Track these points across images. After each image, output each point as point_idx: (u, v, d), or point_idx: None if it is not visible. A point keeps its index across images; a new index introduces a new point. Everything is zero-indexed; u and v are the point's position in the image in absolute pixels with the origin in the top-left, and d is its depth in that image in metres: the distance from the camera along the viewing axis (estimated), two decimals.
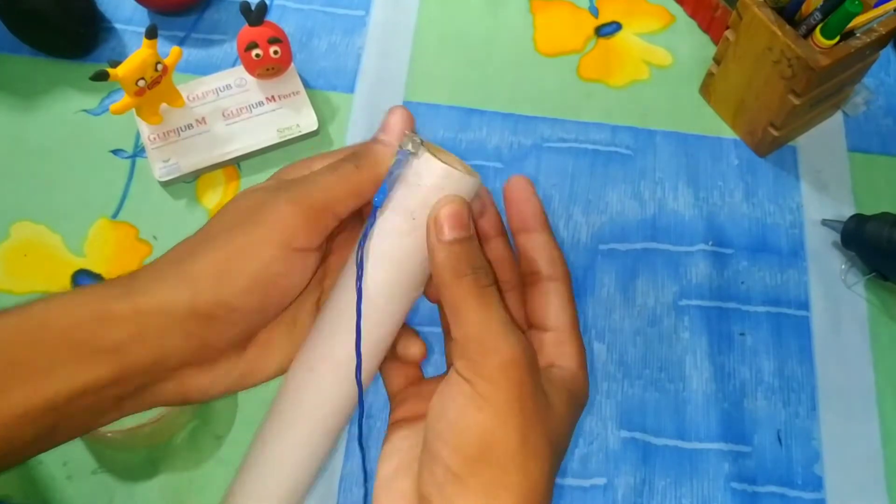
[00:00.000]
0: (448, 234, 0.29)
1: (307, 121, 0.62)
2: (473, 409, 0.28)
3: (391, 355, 0.34)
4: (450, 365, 0.34)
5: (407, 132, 0.32)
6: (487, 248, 0.33)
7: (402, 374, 0.35)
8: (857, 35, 0.54)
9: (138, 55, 0.55)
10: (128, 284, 0.28)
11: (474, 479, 0.27)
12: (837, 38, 0.53)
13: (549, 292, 0.32)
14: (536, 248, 0.32)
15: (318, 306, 0.34)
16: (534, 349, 0.30)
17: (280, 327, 0.33)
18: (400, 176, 0.31)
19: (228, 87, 0.63)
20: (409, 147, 0.30)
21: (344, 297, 0.31)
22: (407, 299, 0.32)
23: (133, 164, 0.61)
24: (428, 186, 0.30)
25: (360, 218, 0.33)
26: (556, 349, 0.31)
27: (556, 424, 0.29)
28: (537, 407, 0.29)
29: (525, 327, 0.33)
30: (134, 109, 0.58)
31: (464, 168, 0.32)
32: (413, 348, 0.34)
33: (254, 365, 0.32)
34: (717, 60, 0.62)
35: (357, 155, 0.31)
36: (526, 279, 0.33)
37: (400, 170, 0.31)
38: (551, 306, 0.32)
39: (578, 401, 0.31)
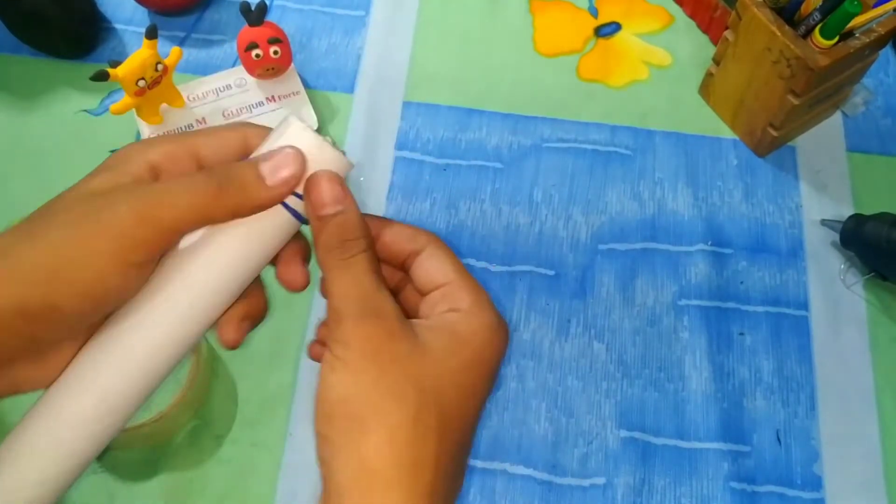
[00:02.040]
0: (323, 210, 0.30)
1: (307, 121, 0.62)
2: (328, 372, 0.29)
3: None
4: None
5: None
6: None
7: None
8: (857, 35, 0.54)
9: (138, 55, 0.55)
10: None
11: (338, 436, 0.28)
12: (836, 39, 0.53)
13: (424, 260, 0.32)
14: (394, 240, 0.33)
15: None
16: (393, 306, 0.30)
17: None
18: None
19: (228, 87, 0.63)
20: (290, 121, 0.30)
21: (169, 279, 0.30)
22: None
23: None
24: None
25: None
26: (447, 298, 0.31)
27: (427, 367, 0.29)
28: (395, 354, 0.29)
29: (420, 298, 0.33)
30: (134, 110, 0.58)
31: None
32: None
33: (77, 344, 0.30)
34: (717, 61, 0.62)
35: (226, 178, 0.29)
36: (406, 265, 0.33)
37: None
38: (430, 269, 0.32)
39: (472, 338, 0.30)
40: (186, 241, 0.30)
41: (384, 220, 0.33)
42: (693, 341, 0.56)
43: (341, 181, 0.31)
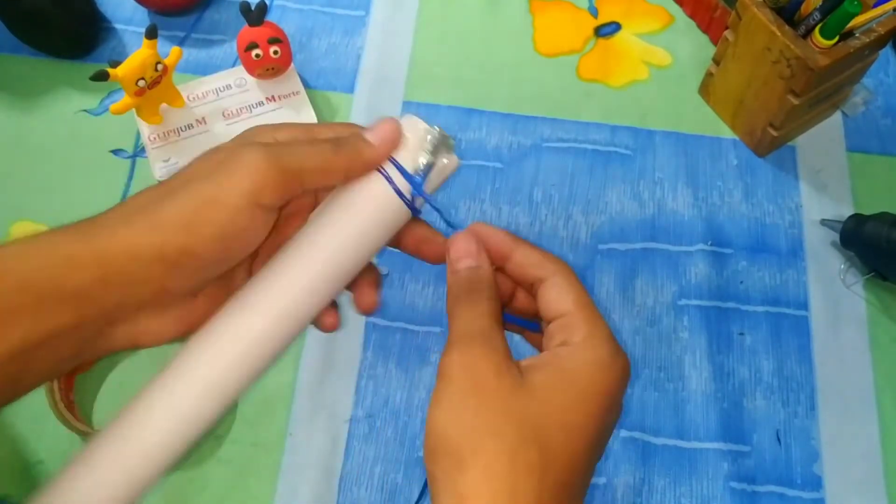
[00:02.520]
0: (458, 264, 0.33)
1: (307, 121, 0.62)
2: (433, 406, 0.29)
3: None
4: None
5: (431, 136, 0.34)
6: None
7: None
8: (857, 35, 0.54)
9: (138, 55, 0.55)
10: (90, 229, 0.28)
11: (440, 473, 0.28)
12: (836, 39, 0.53)
13: (547, 290, 0.33)
14: (522, 263, 0.34)
15: (251, 271, 0.34)
16: (500, 344, 0.31)
17: (220, 281, 0.33)
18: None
19: (228, 87, 0.63)
20: (439, 148, 0.34)
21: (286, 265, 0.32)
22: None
23: (133, 164, 0.62)
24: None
25: (307, 206, 0.35)
26: (564, 330, 0.32)
27: (530, 404, 0.29)
28: (497, 391, 0.29)
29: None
30: (134, 109, 0.58)
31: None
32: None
33: (199, 314, 0.32)
34: (717, 60, 0.62)
35: (339, 142, 0.32)
36: (532, 291, 0.34)
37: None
38: (552, 300, 0.33)
39: (581, 375, 0.30)
40: (308, 228, 0.33)
41: (516, 240, 0.35)
42: (693, 341, 0.56)
43: (478, 241, 0.33)
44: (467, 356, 0.30)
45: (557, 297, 0.32)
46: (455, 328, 0.31)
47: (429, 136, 0.34)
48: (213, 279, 0.32)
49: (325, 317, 0.34)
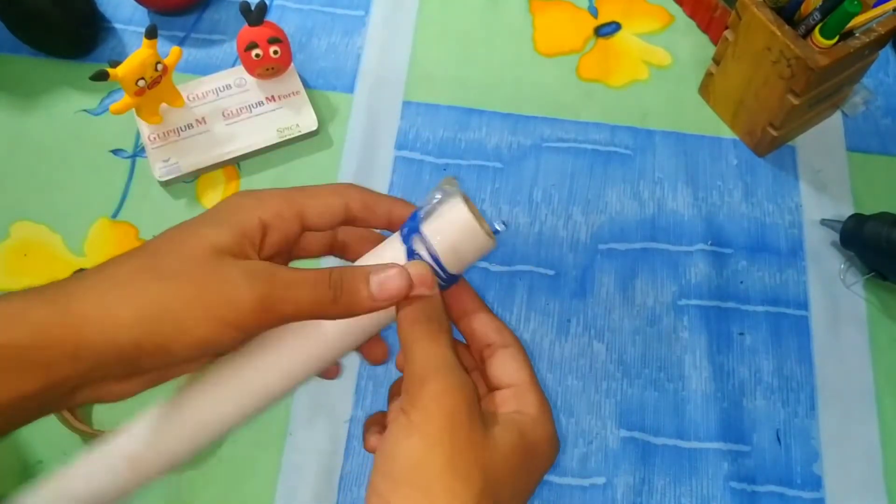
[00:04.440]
0: (413, 291, 0.32)
1: (307, 121, 0.62)
2: (404, 436, 0.30)
3: None
4: None
5: (448, 181, 0.33)
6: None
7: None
8: (856, 35, 0.54)
9: (138, 55, 0.55)
10: (66, 300, 0.28)
11: (399, 500, 0.29)
12: (836, 38, 0.53)
13: (506, 357, 0.34)
14: (482, 325, 0.35)
15: None
16: (473, 386, 0.31)
17: None
18: (434, 212, 0.33)
19: (228, 86, 0.63)
20: (447, 187, 0.33)
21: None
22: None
23: (133, 164, 0.61)
24: (453, 231, 0.33)
25: None
26: (518, 399, 0.33)
27: (494, 458, 0.30)
28: (470, 436, 0.30)
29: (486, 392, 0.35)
30: (134, 109, 0.58)
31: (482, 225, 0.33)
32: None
33: (169, 373, 0.32)
34: (717, 60, 0.62)
35: (339, 287, 0.31)
36: (483, 354, 0.35)
37: (429, 206, 0.33)
38: (508, 367, 0.34)
39: (535, 446, 0.32)
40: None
41: (480, 302, 0.36)
42: (693, 341, 0.56)
43: (430, 270, 0.33)
44: (445, 393, 0.30)
45: (514, 367, 0.34)
46: (421, 357, 0.31)
47: (464, 224, 0.33)
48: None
49: (327, 371, 0.36)
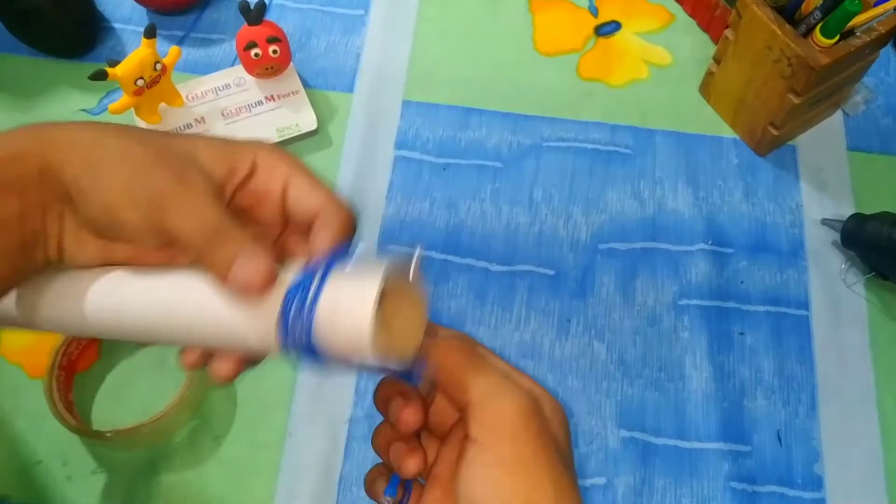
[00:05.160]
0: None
1: (306, 120, 0.62)
2: (505, 476, 0.28)
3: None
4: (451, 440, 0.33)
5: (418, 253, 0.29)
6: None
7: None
8: (857, 34, 0.54)
9: (137, 54, 0.55)
10: (43, 133, 0.29)
11: None
12: (837, 37, 0.53)
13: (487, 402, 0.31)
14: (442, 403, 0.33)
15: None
16: (535, 395, 0.30)
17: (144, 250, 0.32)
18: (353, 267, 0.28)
19: (227, 86, 0.63)
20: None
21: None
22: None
23: None
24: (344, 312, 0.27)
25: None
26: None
27: (570, 456, 0.30)
28: (558, 449, 0.29)
29: None
30: (133, 109, 0.58)
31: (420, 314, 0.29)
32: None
33: (119, 257, 0.31)
34: (717, 59, 0.62)
35: (222, 244, 0.28)
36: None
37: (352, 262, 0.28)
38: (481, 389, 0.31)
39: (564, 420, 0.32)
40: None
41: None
42: (693, 341, 0.56)
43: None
44: (526, 416, 0.29)
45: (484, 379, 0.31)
46: (474, 388, 0.29)
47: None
48: (114, 239, 0.31)
49: (220, 362, 0.31)
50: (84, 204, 0.29)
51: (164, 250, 0.31)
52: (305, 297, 0.27)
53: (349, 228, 0.31)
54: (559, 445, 0.30)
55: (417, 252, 0.29)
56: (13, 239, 0.29)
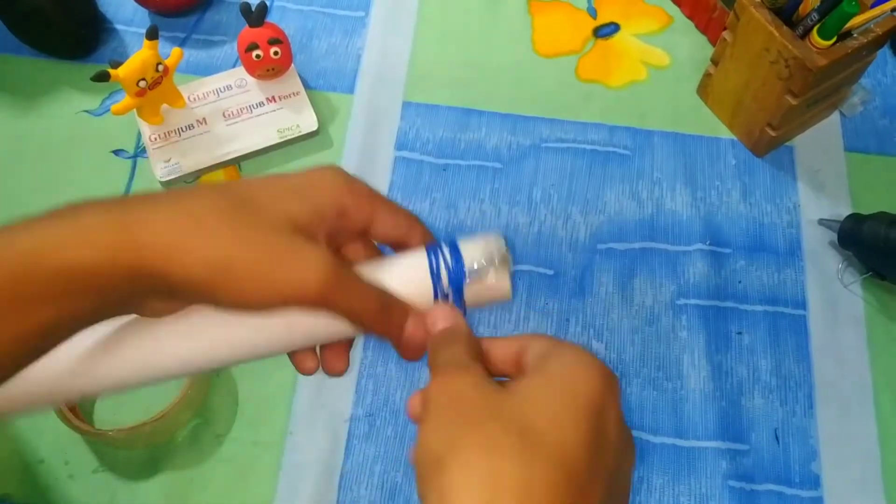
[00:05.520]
0: (435, 327, 0.32)
1: (307, 121, 0.62)
2: (418, 432, 0.28)
3: None
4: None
5: (496, 245, 0.34)
6: None
7: None
8: (855, 35, 0.54)
9: (139, 56, 0.56)
10: (133, 231, 0.28)
11: (423, 483, 0.27)
12: (834, 39, 0.53)
13: (529, 352, 0.32)
14: (504, 352, 0.33)
15: None
16: (477, 366, 0.30)
17: None
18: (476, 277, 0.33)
19: (229, 87, 0.63)
20: (497, 260, 0.34)
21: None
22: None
23: (134, 165, 0.62)
24: (489, 298, 0.34)
25: None
26: (544, 357, 0.31)
27: (510, 398, 0.28)
28: (476, 397, 0.28)
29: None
30: (135, 110, 0.59)
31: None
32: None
33: None
34: (715, 61, 0.63)
35: (388, 313, 0.32)
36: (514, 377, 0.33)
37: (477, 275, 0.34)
38: (534, 352, 0.32)
39: (560, 370, 0.30)
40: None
41: (490, 340, 0.33)
42: (691, 340, 0.56)
43: (455, 310, 0.33)
44: (445, 381, 0.29)
45: (535, 348, 0.32)
46: (434, 368, 0.31)
47: (492, 246, 0.34)
48: None
49: (305, 360, 0.34)
50: (212, 301, 0.29)
51: None
52: (459, 283, 0.33)
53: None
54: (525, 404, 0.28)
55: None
56: (84, 323, 0.29)
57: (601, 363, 0.30)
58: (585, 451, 0.27)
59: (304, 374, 0.34)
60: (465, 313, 0.34)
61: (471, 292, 0.34)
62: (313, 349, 0.34)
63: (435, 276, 0.33)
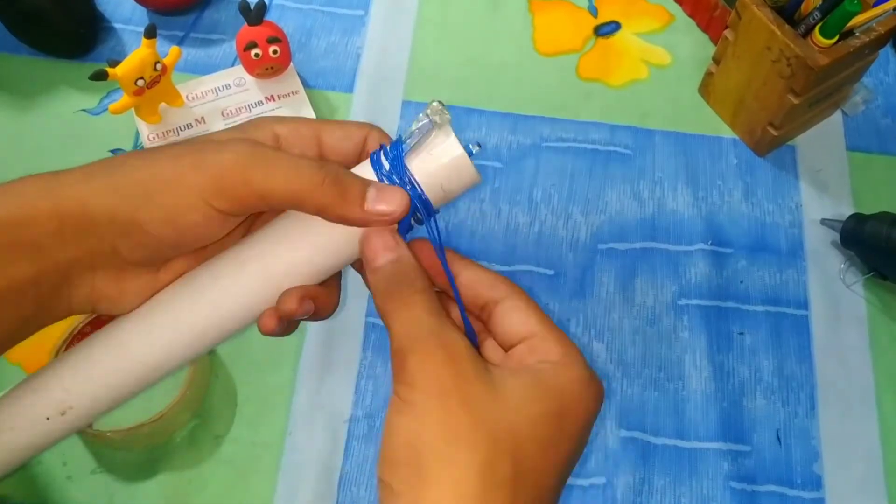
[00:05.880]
0: (376, 261, 0.30)
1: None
2: (395, 415, 0.27)
3: None
4: None
5: (437, 102, 0.31)
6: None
7: None
8: (856, 34, 0.54)
9: (137, 55, 0.55)
10: (53, 182, 0.28)
11: (400, 485, 0.26)
12: (836, 38, 0.53)
13: (506, 311, 0.31)
14: (472, 284, 0.32)
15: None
16: (463, 343, 0.29)
17: (186, 259, 0.32)
18: (418, 144, 0.31)
19: (227, 86, 0.63)
20: (437, 118, 0.31)
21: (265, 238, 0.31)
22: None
23: None
24: (442, 166, 0.31)
25: None
26: (534, 351, 0.30)
27: (506, 413, 0.27)
28: (466, 396, 0.27)
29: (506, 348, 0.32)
30: (133, 109, 0.58)
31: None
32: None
33: (160, 288, 0.32)
34: (716, 60, 0.62)
35: (334, 179, 0.29)
36: (482, 315, 0.32)
37: (420, 137, 0.31)
38: (512, 321, 0.31)
39: (562, 392, 0.29)
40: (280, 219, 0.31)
41: (464, 260, 0.32)
42: (693, 341, 0.56)
43: (393, 231, 0.30)
44: (427, 359, 0.27)
45: (521, 318, 0.30)
46: (398, 329, 0.29)
47: (427, 110, 0.31)
48: (170, 258, 0.31)
49: (264, 318, 0.32)
50: (142, 234, 0.28)
51: (202, 255, 0.31)
52: (399, 157, 0.30)
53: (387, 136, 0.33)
54: (491, 400, 0.27)
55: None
56: (27, 306, 0.28)
57: (597, 378, 0.30)
58: (560, 476, 0.28)
59: (265, 333, 0.32)
60: (432, 208, 0.30)
61: (419, 165, 0.30)
62: (277, 311, 0.31)
63: (376, 163, 0.30)
